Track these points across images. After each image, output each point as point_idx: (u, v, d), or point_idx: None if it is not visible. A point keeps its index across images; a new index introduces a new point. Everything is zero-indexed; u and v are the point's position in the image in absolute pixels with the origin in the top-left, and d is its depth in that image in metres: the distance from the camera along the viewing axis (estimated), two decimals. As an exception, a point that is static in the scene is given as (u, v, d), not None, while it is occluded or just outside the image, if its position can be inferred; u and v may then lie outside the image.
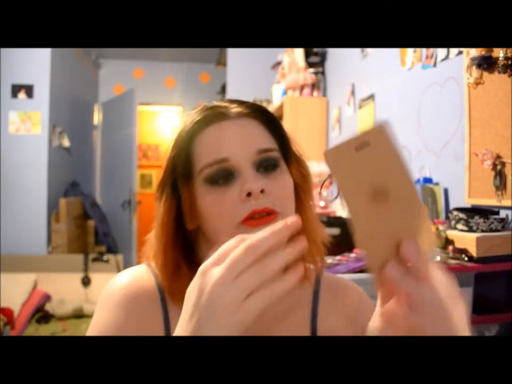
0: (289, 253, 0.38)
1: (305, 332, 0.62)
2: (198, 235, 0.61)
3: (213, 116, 0.58)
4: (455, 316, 0.37)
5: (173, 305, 0.59)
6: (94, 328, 0.58)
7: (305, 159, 0.63)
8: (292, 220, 0.39)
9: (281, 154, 0.59)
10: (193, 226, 0.59)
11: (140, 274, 0.62)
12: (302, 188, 0.61)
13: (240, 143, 0.56)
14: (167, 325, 0.59)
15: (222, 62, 4.48)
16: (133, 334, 0.56)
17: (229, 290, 0.38)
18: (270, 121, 0.60)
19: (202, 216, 0.57)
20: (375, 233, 0.37)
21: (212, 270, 0.40)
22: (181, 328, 0.41)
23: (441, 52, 1.76)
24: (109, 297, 0.59)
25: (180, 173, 0.58)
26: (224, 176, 0.55)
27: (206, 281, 0.39)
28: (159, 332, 0.59)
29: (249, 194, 0.53)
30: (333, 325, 0.63)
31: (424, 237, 0.37)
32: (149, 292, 0.60)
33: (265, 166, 0.56)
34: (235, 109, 0.58)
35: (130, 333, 0.56)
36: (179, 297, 0.56)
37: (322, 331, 0.62)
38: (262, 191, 0.53)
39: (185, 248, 0.60)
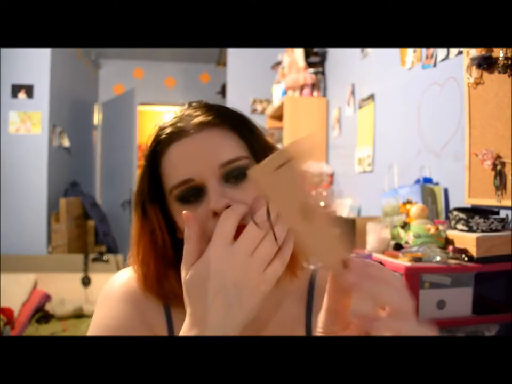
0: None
1: (300, 328, 0.63)
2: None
3: (173, 134, 0.56)
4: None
5: (174, 299, 0.59)
6: (96, 325, 0.58)
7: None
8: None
9: (254, 157, 0.57)
10: (181, 235, 0.59)
11: None
12: None
13: (201, 159, 0.54)
14: (169, 320, 0.59)
15: (222, 62, 4.48)
16: (136, 329, 0.57)
17: (249, 266, 0.41)
18: (237, 125, 0.58)
19: (181, 229, 0.57)
20: (316, 245, 0.39)
21: (220, 250, 0.43)
22: (207, 311, 0.42)
23: (441, 52, 1.76)
24: (110, 294, 0.60)
25: (146, 195, 0.58)
26: (193, 194, 0.54)
27: (218, 264, 0.42)
28: (161, 327, 0.59)
29: (215, 213, 0.52)
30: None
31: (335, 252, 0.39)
32: None
33: (234, 176, 0.54)
34: (196, 119, 0.56)
35: (133, 328, 0.57)
36: (171, 299, 0.58)
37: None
38: (228, 207, 0.51)
39: (171, 252, 0.59)
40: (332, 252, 0.39)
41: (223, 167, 0.54)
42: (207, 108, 0.58)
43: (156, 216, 0.58)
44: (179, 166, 0.55)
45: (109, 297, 0.60)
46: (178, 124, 0.57)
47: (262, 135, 0.61)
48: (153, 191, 0.58)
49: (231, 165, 0.54)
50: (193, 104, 0.61)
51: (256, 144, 0.59)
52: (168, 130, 0.57)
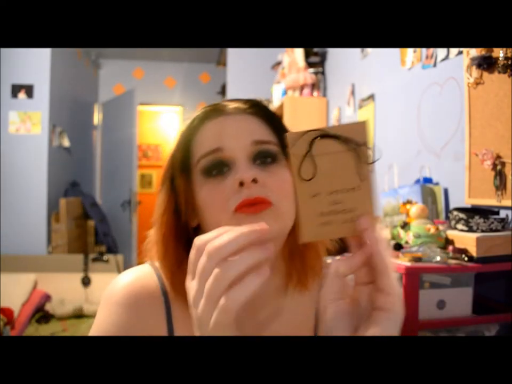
0: (253, 256, 0.38)
1: (308, 331, 0.63)
2: (200, 233, 0.60)
3: (211, 112, 0.59)
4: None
5: (176, 305, 0.59)
6: (96, 329, 0.57)
7: None
8: (261, 225, 0.39)
9: (282, 150, 0.58)
10: (195, 223, 0.59)
11: (143, 274, 0.61)
12: None
13: (235, 134, 0.56)
14: (170, 326, 0.59)
15: (222, 62, 4.48)
16: (136, 334, 0.56)
17: (202, 301, 0.39)
18: (270, 117, 0.60)
19: (200, 208, 0.57)
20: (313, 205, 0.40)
21: (190, 284, 0.41)
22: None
23: (441, 52, 1.76)
24: (111, 297, 0.59)
25: (177, 166, 0.59)
26: (219, 167, 0.55)
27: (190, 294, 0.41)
28: (161, 332, 0.58)
29: (241, 184, 0.52)
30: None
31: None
32: (151, 292, 0.59)
33: (262, 158, 0.55)
34: (233, 105, 0.59)
35: (132, 333, 0.56)
36: (180, 291, 0.56)
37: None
38: (254, 181, 0.52)
39: (188, 239, 0.59)
40: (371, 208, 0.40)
41: (255, 145, 0.55)
42: (244, 100, 0.61)
43: (183, 188, 0.58)
44: (211, 137, 0.56)
45: (110, 301, 0.59)
46: (217, 106, 0.59)
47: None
48: (184, 164, 0.58)
49: (263, 145, 0.56)
50: (230, 99, 0.63)
51: (284, 139, 0.60)
52: (206, 109, 0.59)
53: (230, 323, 0.38)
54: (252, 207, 0.52)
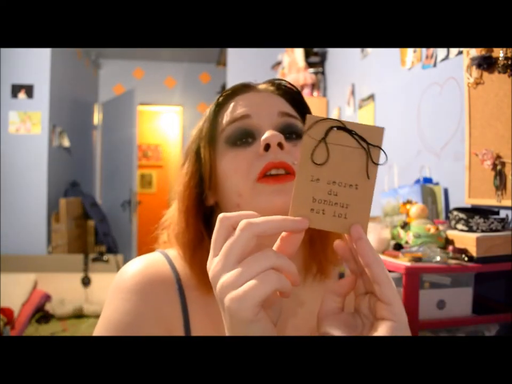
0: (286, 223, 0.37)
1: None
2: (216, 213, 0.58)
3: (239, 88, 0.60)
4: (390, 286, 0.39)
5: (190, 292, 0.56)
6: (106, 320, 0.53)
7: None
8: (302, 220, 0.38)
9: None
10: (212, 200, 0.58)
11: (154, 261, 0.58)
12: None
13: (262, 105, 0.57)
14: (186, 314, 0.55)
15: (222, 62, 4.48)
16: (151, 324, 0.52)
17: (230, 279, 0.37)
18: (295, 99, 0.61)
19: (220, 180, 0.55)
20: (312, 186, 0.40)
21: (212, 262, 0.38)
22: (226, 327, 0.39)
23: (441, 52, 1.76)
24: (122, 285, 0.55)
25: (204, 135, 0.58)
26: (244, 136, 0.55)
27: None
28: (177, 320, 0.55)
29: (267, 147, 0.52)
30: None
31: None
32: (164, 279, 0.56)
33: (287, 132, 0.55)
34: (261, 85, 0.62)
35: (147, 323, 0.52)
36: (197, 272, 0.54)
37: None
38: (280, 145, 0.52)
39: (206, 225, 0.58)
40: (367, 210, 0.40)
41: (282, 116, 0.56)
42: (271, 81, 0.63)
43: (209, 157, 0.56)
44: (239, 106, 0.57)
45: (121, 289, 0.54)
46: (246, 84, 0.61)
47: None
48: (210, 135, 0.58)
49: (289, 118, 0.57)
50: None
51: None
52: (235, 87, 0.61)
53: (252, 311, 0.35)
54: (276, 178, 0.51)
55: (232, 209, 0.54)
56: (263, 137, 0.52)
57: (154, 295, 0.54)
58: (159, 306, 0.54)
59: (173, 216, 0.59)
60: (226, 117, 0.57)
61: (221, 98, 0.60)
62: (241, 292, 0.35)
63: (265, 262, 0.36)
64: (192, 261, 0.56)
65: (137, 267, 0.56)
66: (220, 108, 0.60)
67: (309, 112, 0.61)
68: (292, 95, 0.61)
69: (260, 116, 0.55)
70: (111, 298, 0.55)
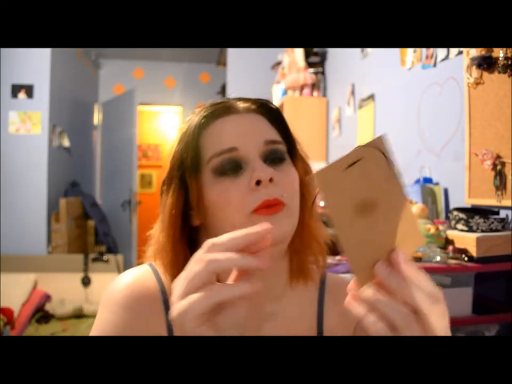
0: (244, 261, 0.39)
1: (311, 332, 0.63)
2: (201, 233, 0.60)
3: (221, 110, 0.58)
4: (434, 316, 0.38)
5: None
6: (96, 329, 0.57)
7: (308, 159, 0.64)
8: (264, 226, 0.39)
9: (287, 150, 0.59)
10: (198, 222, 0.59)
11: (142, 275, 0.61)
12: (305, 186, 0.61)
13: (248, 134, 0.56)
14: (170, 327, 0.58)
15: (222, 62, 4.48)
16: (136, 335, 0.56)
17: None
18: (276, 118, 0.61)
19: (209, 208, 0.56)
20: (361, 242, 0.38)
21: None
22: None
23: (441, 52, 1.76)
24: (111, 299, 0.59)
25: (188, 165, 0.58)
26: (232, 167, 0.55)
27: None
28: (161, 332, 0.58)
29: (258, 182, 0.53)
30: (338, 323, 0.63)
31: (411, 241, 0.40)
32: (151, 293, 0.59)
33: (272, 158, 0.56)
34: (242, 104, 0.60)
35: (132, 334, 0.56)
36: None
37: (328, 331, 0.63)
38: (271, 180, 0.53)
39: (190, 245, 0.59)
40: (396, 240, 0.39)
41: (267, 144, 0.56)
42: (250, 99, 0.62)
43: (196, 187, 0.57)
44: (224, 136, 0.56)
45: (111, 301, 0.59)
46: (226, 104, 0.59)
47: (292, 132, 0.63)
48: (194, 162, 0.57)
49: (274, 145, 0.57)
50: (230, 97, 0.63)
51: (291, 139, 0.61)
52: (214, 107, 0.59)
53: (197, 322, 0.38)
54: (269, 208, 0.53)
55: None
56: (255, 173, 0.53)
57: (141, 308, 0.58)
58: (145, 319, 0.58)
59: (157, 237, 0.60)
60: (212, 146, 0.56)
61: (202, 120, 0.58)
62: (183, 305, 0.39)
63: (206, 276, 0.39)
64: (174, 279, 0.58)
65: (126, 281, 0.60)
66: (201, 130, 0.58)
67: (288, 130, 0.62)
68: (273, 114, 0.61)
69: (246, 147, 0.55)
70: (102, 310, 0.59)
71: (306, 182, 0.61)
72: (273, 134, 0.58)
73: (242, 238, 0.40)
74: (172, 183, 0.59)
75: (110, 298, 0.59)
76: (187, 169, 0.58)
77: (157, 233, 0.60)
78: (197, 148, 0.58)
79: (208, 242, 0.40)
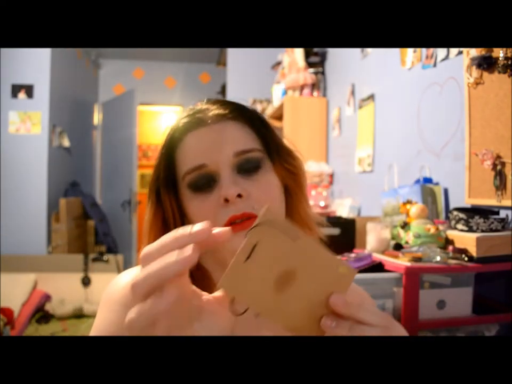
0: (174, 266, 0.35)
1: None
2: None
3: (191, 123, 0.58)
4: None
5: None
6: (96, 328, 0.58)
7: (297, 154, 0.63)
8: (199, 227, 0.36)
9: (267, 152, 0.58)
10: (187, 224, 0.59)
11: None
12: (292, 186, 0.61)
13: (216, 147, 0.55)
14: None
15: (222, 62, 4.49)
16: None
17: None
18: (252, 120, 0.59)
19: (190, 219, 0.57)
20: (296, 310, 0.38)
21: None
22: None
23: (441, 52, 1.76)
24: (111, 297, 0.60)
25: (162, 181, 0.59)
26: (205, 182, 0.55)
27: None
28: None
29: (226, 200, 0.53)
30: None
31: (342, 278, 0.39)
32: None
33: (245, 168, 0.56)
34: (214, 111, 0.58)
35: None
36: None
37: None
38: (239, 196, 0.53)
39: None
40: (330, 288, 0.39)
41: (237, 156, 0.55)
42: (224, 102, 0.60)
43: (169, 203, 0.58)
44: (194, 153, 0.56)
45: (110, 300, 0.59)
46: (197, 115, 0.59)
47: (275, 132, 0.62)
48: (168, 178, 0.58)
49: (245, 155, 0.56)
50: (211, 100, 0.62)
51: (270, 140, 0.60)
52: (185, 120, 0.59)
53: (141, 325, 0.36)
54: (239, 224, 0.53)
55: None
56: (222, 191, 0.53)
57: None
58: None
59: (143, 245, 0.61)
60: (184, 163, 0.57)
61: (175, 135, 0.58)
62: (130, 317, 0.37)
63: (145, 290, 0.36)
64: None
65: (125, 280, 0.61)
66: (173, 145, 0.59)
67: (269, 128, 0.60)
68: (248, 117, 0.59)
69: (215, 162, 0.55)
70: (101, 309, 0.60)
71: (292, 181, 0.60)
72: (244, 143, 0.57)
73: (172, 242, 0.36)
74: (150, 198, 0.60)
75: (109, 297, 0.60)
76: (161, 186, 0.59)
77: (144, 237, 0.61)
78: (170, 164, 0.58)
79: (142, 252, 0.37)
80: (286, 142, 0.63)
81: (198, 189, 0.55)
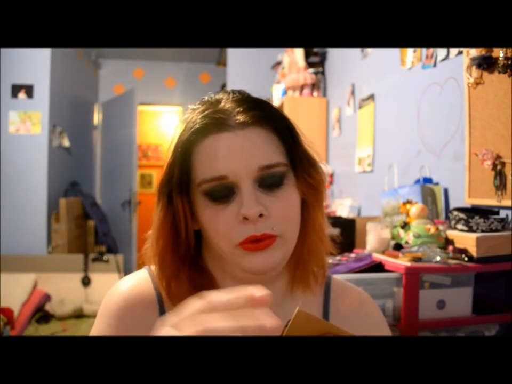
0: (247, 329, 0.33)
1: None
2: (202, 235, 0.60)
3: (213, 126, 0.53)
4: None
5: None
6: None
7: (320, 166, 0.60)
8: (262, 294, 0.33)
9: (290, 165, 0.55)
10: (197, 227, 0.58)
11: (140, 283, 0.61)
12: (311, 200, 0.58)
13: (241, 158, 0.51)
14: None
15: (222, 62, 4.48)
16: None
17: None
18: (279, 128, 0.55)
19: (202, 225, 0.56)
20: None
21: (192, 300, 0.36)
22: None
23: (441, 52, 1.76)
24: (107, 309, 0.59)
25: (175, 184, 0.55)
26: (223, 193, 0.52)
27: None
28: None
29: (245, 219, 0.51)
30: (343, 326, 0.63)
31: None
32: (147, 302, 0.59)
33: (268, 184, 0.53)
34: (238, 116, 0.53)
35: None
36: (175, 301, 0.57)
37: None
38: (261, 215, 0.51)
39: (188, 248, 0.58)
40: None
41: (262, 170, 0.52)
42: (248, 101, 0.55)
43: (182, 206, 0.55)
44: (215, 161, 0.52)
45: (107, 313, 0.59)
46: (220, 115, 0.53)
47: (302, 143, 0.59)
48: (182, 180, 0.55)
49: (270, 170, 0.52)
50: (235, 94, 0.56)
51: (296, 152, 0.56)
52: (206, 120, 0.53)
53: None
54: (258, 243, 0.51)
55: (215, 249, 0.57)
56: (242, 209, 0.50)
57: (135, 320, 0.58)
58: (139, 330, 0.57)
59: (152, 242, 0.59)
60: (202, 171, 0.53)
61: (193, 137, 0.54)
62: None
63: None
64: (169, 291, 0.58)
65: (122, 291, 0.60)
66: (190, 147, 0.54)
67: (295, 134, 0.57)
68: (275, 125, 0.55)
69: (238, 174, 0.51)
70: (98, 320, 0.60)
71: (312, 196, 0.58)
72: (270, 156, 0.53)
73: (241, 300, 0.33)
74: (160, 199, 0.57)
75: (106, 308, 0.59)
76: (174, 188, 0.55)
77: (151, 238, 0.59)
78: (186, 167, 0.54)
79: (205, 298, 0.34)
80: (308, 147, 0.59)
81: (215, 199, 0.53)
